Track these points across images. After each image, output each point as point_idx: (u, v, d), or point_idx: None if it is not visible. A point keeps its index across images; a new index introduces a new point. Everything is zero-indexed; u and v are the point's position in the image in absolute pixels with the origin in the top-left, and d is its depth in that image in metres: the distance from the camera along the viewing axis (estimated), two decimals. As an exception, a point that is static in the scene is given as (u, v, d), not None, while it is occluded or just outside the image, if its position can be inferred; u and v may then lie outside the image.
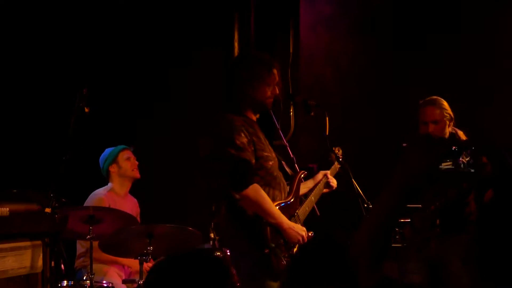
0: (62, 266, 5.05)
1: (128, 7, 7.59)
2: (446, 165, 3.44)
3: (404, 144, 5.64)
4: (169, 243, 5.08)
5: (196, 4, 7.61)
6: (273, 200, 4.50)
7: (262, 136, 4.65)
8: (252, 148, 4.47)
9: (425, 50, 7.42)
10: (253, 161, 4.44)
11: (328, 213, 4.85)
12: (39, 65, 7.16)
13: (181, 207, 7.03)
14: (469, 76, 7.21)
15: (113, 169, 6.09)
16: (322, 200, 4.92)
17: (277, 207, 4.46)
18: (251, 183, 4.39)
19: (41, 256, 4.54)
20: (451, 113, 5.44)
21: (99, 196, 5.95)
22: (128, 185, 6.15)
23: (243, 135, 4.46)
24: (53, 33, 7.26)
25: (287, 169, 4.81)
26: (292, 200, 4.63)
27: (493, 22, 7.30)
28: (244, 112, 4.65)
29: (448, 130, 5.44)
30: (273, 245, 4.39)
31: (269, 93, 4.65)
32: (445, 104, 5.45)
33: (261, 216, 4.40)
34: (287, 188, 4.68)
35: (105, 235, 5.09)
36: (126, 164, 6.10)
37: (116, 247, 5.15)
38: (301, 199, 4.77)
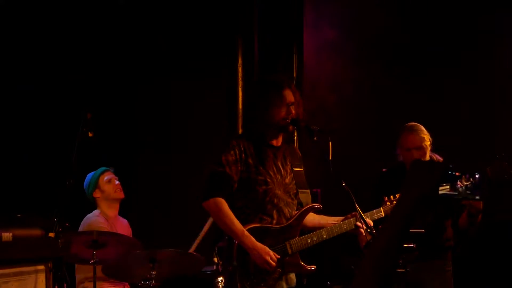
0: (66, 290, 5.04)
1: (132, 32, 7.64)
2: (443, 189, 3.42)
3: (384, 170, 5.65)
4: (172, 267, 5.08)
5: (199, 29, 7.65)
6: (260, 222, 4.59)
7: (273, 161, 4.71)
8: (239, 168, 4.61)
9: (427, 77, 7.43)
10: (235, 177, 4.59)
11: (332, 239, 4.82)
12: (44, 90, 7.19)
13: (184, 231, 7.02)
14: (470, 102, 7.22)
15: (97, 194, 6.04)
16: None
17: (247, 228, 4.52)
18: (214, 196, 4.54)
19: (44, 281, 4.53)
20: (430, 138, 5.44)
21: (94, 219, 5.92)
22: (116, 207, 6.10)
23: (232, 152, 4.62)
24: (59, 59, 7.30)
25: (301, 199, 4.81)
26: (283, 226, 4.64)
27: (497, 48, 7.31)
28: (262, 136, 4.74)
29: (429, 154, 5.44)
30: (235, 263, 4.44)
31: (282, 114, 4.69)
32: (424, 129, 5.45)
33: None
34: (288, 215, 4.71)
35: (109, 259, 5.09)
36: (108, 187, 6.04)
37: (120, 271, 5.15)
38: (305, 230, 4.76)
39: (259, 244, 4.51)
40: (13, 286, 4.43)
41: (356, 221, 4.71)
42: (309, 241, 4.66)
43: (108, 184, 6.05)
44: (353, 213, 4.72)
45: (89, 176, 6.10)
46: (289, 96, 4.73)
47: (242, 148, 4.66)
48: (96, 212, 6.04)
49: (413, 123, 5.52)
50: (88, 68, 7.43)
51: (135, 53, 7.68)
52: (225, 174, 4.58)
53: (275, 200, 4.66)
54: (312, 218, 4.82)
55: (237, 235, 4.51)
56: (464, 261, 5.91)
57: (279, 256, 4.54)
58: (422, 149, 5.38)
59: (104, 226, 5.83)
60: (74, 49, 7.40)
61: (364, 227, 4.57)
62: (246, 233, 4.51)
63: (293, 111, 4.71)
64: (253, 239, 4.51)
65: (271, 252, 4.52)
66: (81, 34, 7.43)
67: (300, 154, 5.00)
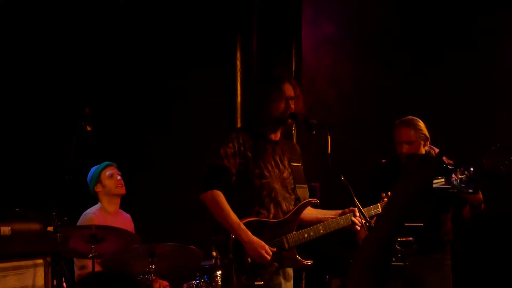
0: (64, 284, 5.03)
1: (131, 28, 7.63)
2: (438, 182, 3.41)
3: (383, 161, 5.66)
4: (171, 261, 5.08)
5: (199, 25, 7.64)
6: (257, 215, 4.60)
7: (271, 155, 4.71)
8: (238, 160, 4.63)
9: (426, 73, 7.42)
10: (233, 170, 4.61)
11: (331, 232, 4.81)
12: (42, 84, 7.19)
13: (183, 225, 7.02)
14: (470, 97, 7.21)
15: (98, 189, 6.04)
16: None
17: (243, 222, 4.53)
18: (212, 189, 4.55)
19: (43, 275, 4.53)
20: (426, 133, 5.42)
21: (89, 216, 5.92)
22: (116, 202, 6.10)
23: (230, 145, 4.64)
24: (57, 54, 7.29)
25: (299, 194, 4.81)
26: (280, 221, 4.65)
27: (496, 48, 7.30)
28: (261, 130, 4.74)
29: (425, 149, 5.42)
30: (231, 256, 4.44)
31: (281, 108, 4.69)
32: (421, 124, 5.43)
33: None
34: (286, 210, 4.71)
35: (107, 254, 5.08)
36: (110, 182, 6.04)
37: (118, 265, 5.14)
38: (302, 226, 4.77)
39: (255, 238, 4.51)
40: (12, 280, 4.43)
41: (353, 216, 4.72)
42: (306, 235, 4.66)
43: (110, 179, 6.05)
44: (351, 208, 4.73)
45: (92, 170, 6.10)
46: (289, 90, 4.73)
47: (241, 141, 4.67)
48: (95, 207, 6.03)
49: (410, 117, 5.51)
50: (87, 63, 7.43)
51: (134, 48, 7.67)
52: (223, 166, 4.59)
53: (273, 194, 4.67)
54: (309, 212, 4.82)
55: (233, 228, 4.51)
56: (463, 255, 5.91)
57: (274, 249, 4.55)
58: (413, 143, 5.37)
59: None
60: (73, 45, 7.39)
61: (363, 221, 4.57)
62: (242, 226, 4.52)
63: (292, 106, 4.71)
64: (249, 232, 4.51)
65: (267, 246, 4.52)
66: (79, 30, 7.42)
67: (299, 151, 5.01)
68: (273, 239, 4.59)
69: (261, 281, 4.51)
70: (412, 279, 5.33)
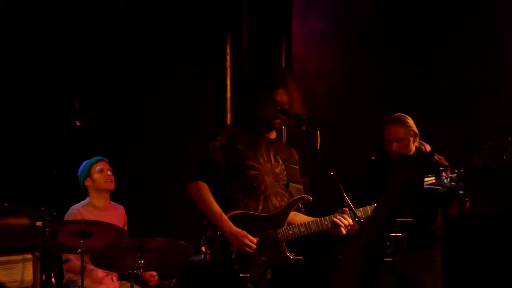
0: (53, 279, 5.02)
1: (120, 23, 7.62)
2: (428, 180, 3.41)
3: (373, 158, 5.66)
4: (160, 256, 5.06)
5: (188, 19, 7.63)
6: (245, 208, 4.60)
7: (264, 150, 4.73)
8: (225, 153, 4.65)
9: (417, 66, 7.42)
10: (219, 162, 4.65)
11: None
12: (31, 79, 7.17)
13: (173, 220, 7.02)
14: (462, 90, 7.21)
15: (88, 183, 6.03)
16: (315, 214, 4.88)
17: (231, 214, 4.55)
18: (196, 180, 4.63)
19: (31, 270, 4.54)
20: (415, 129, 5.42)
21: (73, 212, 5.89)
22: (105, 197, 6.07)
23: (218, 138, 4.69)
24: (47, 48, 7.28)
25: (292, 191, 4.80)
26: (269, 215, 4.64)
27: (492, 37, 7.29)
28: (255, 126, 4.78)
29: (414, 145, 5.43)
30: (217, 247, 4.50)
31: (270, 113, 4.71)
32: (410, 121, 5.43)
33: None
34: (277, 205, 4.70)
35: (96, 248, 5.07)
36: (99, 177, 6.02)
37: (107, 260, 5.12)
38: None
39: (236, 228, 4.52)
40: (1, 274, 4.43)
41: (335, 217, 4.71)
42: (296, 231, 4.65)
43: (100, 173, 6.03)
44: (344, 209, 4.72)
45: (83, 164, 6.08)
46: (281, 96, 4.72)
47: (232, 134, 4.68)
48: (82, 203, 6.00)
49: (398, 114, 5.51)
50: (76, 58, 7.41)
51: (125, 41, 7.65)
52: (209, 159, 4.65)
53: (263, 187, 4.66)
54: (293, 215, 4.81)
55: (215, 219, 4.55)
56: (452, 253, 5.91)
57: (256, 239, 4.54)
58: (403, 140, 5.37)
59: None
60: (63, 40, 7.38)
61: (348, 220, 4.61)
62: (224, 217, 4.54)
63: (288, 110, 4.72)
64: (231, 223, 4.53)
65: (249, 235, 4.52)
66: (71, 25, 7.40)
67: (297, 157, 5.00)
68: (262, 232, 4.58)
69: (246, 274, 4.51)
70: (403, 274, 5.34)
